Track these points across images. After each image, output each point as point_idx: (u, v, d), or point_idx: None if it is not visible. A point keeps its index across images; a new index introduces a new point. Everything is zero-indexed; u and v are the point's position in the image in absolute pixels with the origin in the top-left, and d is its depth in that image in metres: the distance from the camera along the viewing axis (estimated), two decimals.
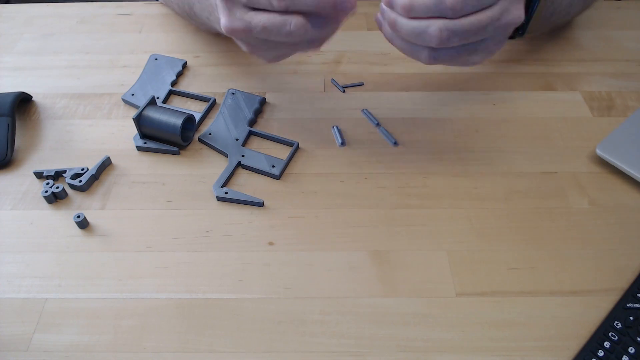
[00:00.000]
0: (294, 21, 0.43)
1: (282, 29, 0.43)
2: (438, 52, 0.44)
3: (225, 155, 0.56)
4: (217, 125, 0.59)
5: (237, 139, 0.57)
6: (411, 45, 0.45)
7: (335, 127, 0.53)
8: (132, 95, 0.62)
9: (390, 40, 0.47)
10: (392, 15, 0.44)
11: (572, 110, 0.61)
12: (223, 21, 0.46)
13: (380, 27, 0.47)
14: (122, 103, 0.62)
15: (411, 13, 0.42)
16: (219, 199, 0.53)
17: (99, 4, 0.77)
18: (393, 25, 0.44)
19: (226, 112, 0.60)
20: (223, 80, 0.65)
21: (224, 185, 0.53)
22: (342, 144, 0.51)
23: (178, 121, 0.54)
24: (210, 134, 0.58)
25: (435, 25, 0.41)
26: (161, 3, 0.75)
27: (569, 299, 0.46)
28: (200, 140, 0.58)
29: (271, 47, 0.48)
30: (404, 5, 0.42)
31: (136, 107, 0.61)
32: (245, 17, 0.44)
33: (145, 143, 0.57)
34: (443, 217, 0.51)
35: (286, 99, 0.63)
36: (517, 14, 0.43)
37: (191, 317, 0.45)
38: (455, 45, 0.43)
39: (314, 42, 0.46)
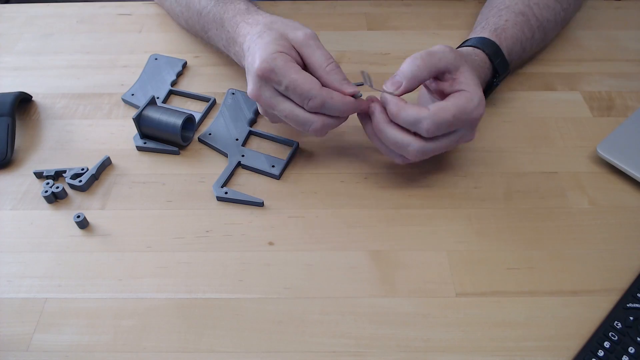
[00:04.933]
0: (315, 124, 0.48)
1: (303, 125, 0.49)
2: (409, 160, 0.50)
3: (225, 155, 0.56)
4: (217, 125, 0.59)
5: (237, 139, 0.57)
6: (389, 150, 0.50)
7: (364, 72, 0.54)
8: (132, 95, 0.62)
9: (370, 138, 0.51)
10: (380, 122, 0.48)
11: (572, 110, 0.61)
12: (250, 90, 0.49)
13: (364, 122, 0.51)
14: (122, 103, 0.62)
15: (395, 121, 0.47)
16: (219, 199, 0.53)
17: (99, 4, 0.77)
18: (379, 131, 0.49)
19: (226, 112, 0.60)
20: (223, 80, 0.65)
21: (224, 185, 0.53)
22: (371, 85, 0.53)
23: (178, 121, 0.54)
24: (210, 134, 0.58)
25: (414, 146, 0.47)
26: (156, 3, 0.75)
27: (569, 299, 0.46)
28: (200, 140, 0.58)
29: (280, 120, 0.52)
30: (392, 112, 0.47)
31: (136, 107, 0.61)
32: (272, 100, 0.49)
33: (145, 143, 0.57)
34: (443, 217, 0.51)
35: None
36: (470, 137, 0.50)
37: (191, 317, 0.45)
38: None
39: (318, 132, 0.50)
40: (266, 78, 0.47)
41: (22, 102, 0.62)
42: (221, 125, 0.59)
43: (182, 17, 0.66)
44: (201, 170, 0.55)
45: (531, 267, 0.48)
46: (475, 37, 0.58)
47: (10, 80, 0.66)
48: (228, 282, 0.47)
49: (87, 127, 0.60)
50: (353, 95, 0.48)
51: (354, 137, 0.58)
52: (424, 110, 0.46)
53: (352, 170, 0.55)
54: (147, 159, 0.57)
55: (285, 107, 0.48)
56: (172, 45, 0.70)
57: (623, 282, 0.47)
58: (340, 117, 0.49)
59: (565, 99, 0.62)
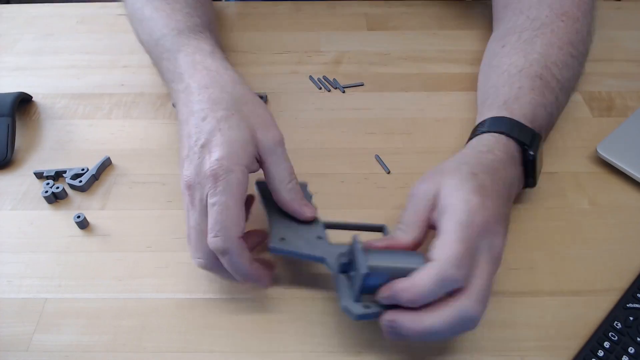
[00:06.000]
0: (201, 262, 0.42)
1: (192, 250, 0.42)
2: None
3: None
4: None
5: None
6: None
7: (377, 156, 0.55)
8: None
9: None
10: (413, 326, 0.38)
11: (572, 110, 0.61)
12: (189, 174, 0.41)
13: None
14: (122, 103, 0.62)
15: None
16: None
17: (99, 4, 0.77)
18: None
19: None
20: None
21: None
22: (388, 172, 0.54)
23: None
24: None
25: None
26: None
27: (569, 299, 0.46)
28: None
29: None
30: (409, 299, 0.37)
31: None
32: (197, 202, 0.41)
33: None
34: None
35: (286, 99, 0.63)
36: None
37: (191, 317, 0.45)
38: None
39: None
40: (209, 182, 0.39)
41: (22, 102, 0.62)
42: None
43: (145, 45, 0.57)
44: None
45: (531, 267, 0.48)
46: (490, 119, 0.48)
47: (10, 80, 0.66)
48: (228, 282, 0.47)
49: (87, 127, 0.60)
50: (310, 220, 0.43)
51: (354, 137, 0.58)
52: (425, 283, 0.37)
53: (352, 170, 0.55)
54: (147, 159, 0.57)
55: (201, 220, 0.41)
56: None
57: (623, 282, 0.47)
58: (229, 276, 0.42)
59: None
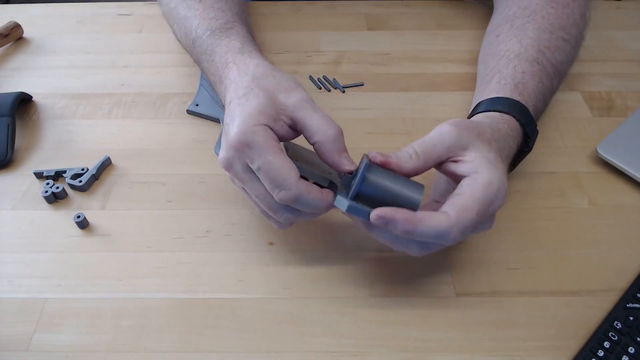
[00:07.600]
0: (284, 219, 0.43)
1: (273, 212, 0.43)
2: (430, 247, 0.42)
3: (218, 121, 0.58)
4: (202, 97, 0.61)
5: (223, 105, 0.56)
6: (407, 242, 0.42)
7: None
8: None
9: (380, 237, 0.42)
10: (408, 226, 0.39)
11: (572, 110, 0.61)
12: (222, 157, 0.43)
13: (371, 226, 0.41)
14: (122, 103, 0.62)
15: (415, 238, 0.40)
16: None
17: (99, 4, 0.77)
18: (412, 234, 0.39)
19: (206, 83, 0.62)
20: None
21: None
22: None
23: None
24: (197, 105, 0.60)
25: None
26: (157, 4, 0.72)
27: (569, 299, 0.46)
28: (189, 112, 0.60)
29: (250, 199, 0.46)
30: (406, 230, 0.39)
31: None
32: (244, 176, 0.43)
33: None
34: None
35: None
36: (489, 225, 0.43)
37: (191, 317, 0.45)
38: None
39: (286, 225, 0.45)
40: (240, 151, 0.41)
41: (22, 102, 0.62)
42: (205, 96, 0.60)
43: (182, 44, 0.61)
44: (201, 171, 0.55)
45: (531, 267, 0.48)
46: (500, 98, 0.50)
47: (10, 80, 0.65)
48: (228, 282, 0.47)
49: (87, 127, 0.60)
50: (349, 173, 0.41)
51: (354, 137, 0.58)
52: (443, 219, 0.39)
53: None
54: (147, 159, 0.57)
55: (258, 187, 0.42)
56: (172, 45, 0.70)
57: (623, 282, 0.47)
58: (313, 214, 0.43)
59: (565, 99, 0.62)
